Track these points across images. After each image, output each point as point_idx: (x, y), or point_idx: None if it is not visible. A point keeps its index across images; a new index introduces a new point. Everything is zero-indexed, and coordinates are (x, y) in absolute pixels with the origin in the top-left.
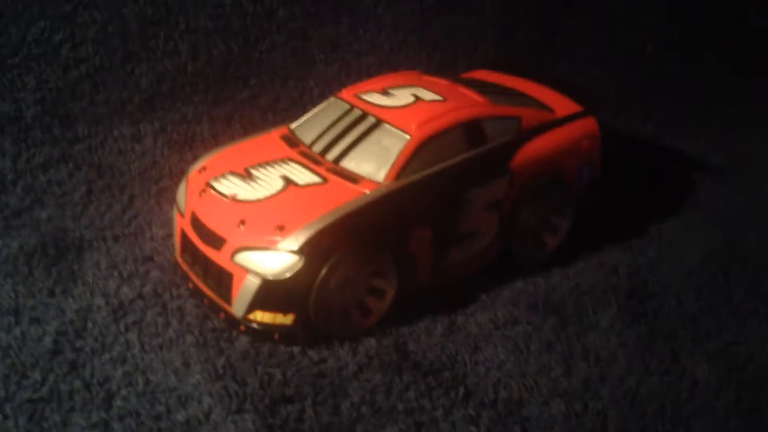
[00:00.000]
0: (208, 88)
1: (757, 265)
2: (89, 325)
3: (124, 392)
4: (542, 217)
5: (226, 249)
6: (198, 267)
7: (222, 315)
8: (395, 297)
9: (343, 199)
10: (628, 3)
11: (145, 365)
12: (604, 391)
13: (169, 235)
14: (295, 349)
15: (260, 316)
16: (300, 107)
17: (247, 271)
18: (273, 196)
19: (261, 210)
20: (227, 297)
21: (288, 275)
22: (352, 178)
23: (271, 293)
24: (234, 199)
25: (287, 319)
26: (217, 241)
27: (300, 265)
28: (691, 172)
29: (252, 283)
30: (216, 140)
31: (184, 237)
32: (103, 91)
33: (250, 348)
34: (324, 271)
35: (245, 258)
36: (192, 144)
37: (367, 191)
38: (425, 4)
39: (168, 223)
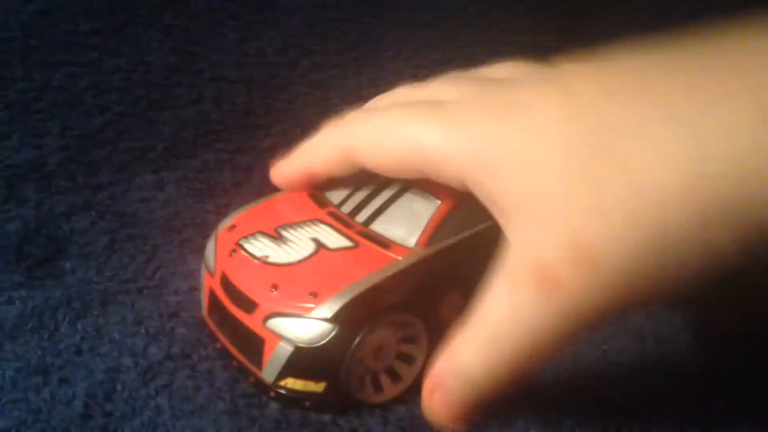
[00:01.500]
0: (231, 137)
1: None
2: (118, 387)
3: None
4: None
5: (258, 313)
6: (227, 328)
7: (252, 379)
8: (425, 363)
9: (375, 265)
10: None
11: None
12: None
13: (193, 289)
14: (326, 417)
15: (291, 383)
16: None
17: (280, 337)
18: (305, 260)
19: (293, 274)
20: (258, 362)
21: (321, 343)
22: (383, 243)
23: (303, 361)
24: (265, 261)
25: (319, 387)
26: (248, 305)
27: (333, 333)
28: None
29: (284, 350)
30: (237, 189)
31: (213, 296)
32: (127, 139)
33: (281, 417)
34: (357, 339)
35: (278, 324)
36: (214, 192)
37: (400, 258)
38: (446, 56)
39: (192, 275)
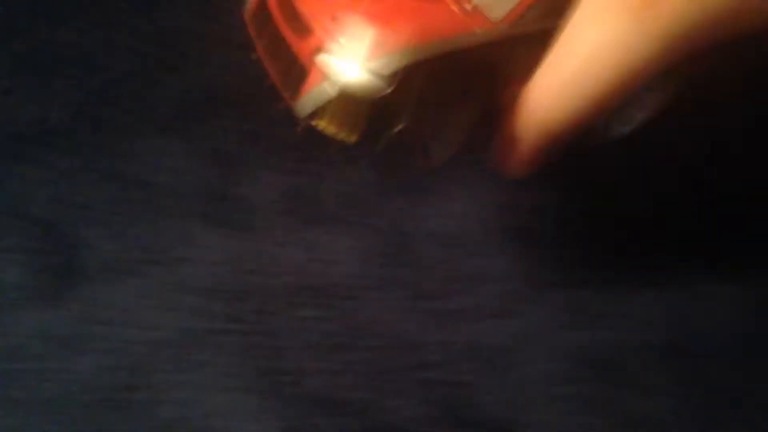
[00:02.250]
0: (238, 102)
1: None
2: (129, 360)
3: None
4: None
5: (310, 43)
6: (270, 43)
7: (282, 105)
8: (457, 152)
9: (449, 30)
10: None
11: (192, 411)
12: None
13: (202, 259)
14: (367, 396)
15: (324, 125)
16: None
17: (326, 76)
18: None
19: (362, 11)
20: (295, 91)
21: (368, 99)
22: (466, 5)
23: (344, 110)
24: None
25: (351, 138)
26: (302, 29)
27: (382, 92)
28: (716, 213)
29: (326, 91)
30: (242, 157)
31: (262, 3)
32: (132, 99)
33: (317, 396)
34: (407, 104)
35: (328, 62)
36: (220, 159)
37: (478, 30)
38: None
39: (199, 245)
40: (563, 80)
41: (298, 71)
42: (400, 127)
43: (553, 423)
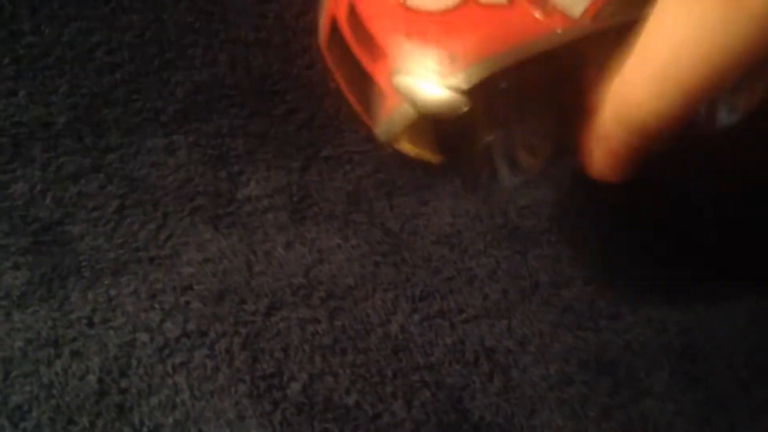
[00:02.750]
0: (245, 102)
1: None
2: (134, 362)
3: None
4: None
5: (385, 65)
6: (346, 69)
7: (365, 129)
8: (549, 159)
9: (528, 34)
10: None
11: (197, 414)
12: None
13: (207, 260)
14: (350, 401)
15: (406, 147)
16: (335, 126)
17: (405, 97)
18: (449, 11)
19: (434, 26)
20: (374, 115)
21: (448, 117)
22: (544, 5)
23: (424, 130)
24: (404, 4)
25: (435, 158)
26: (376, 52)
27: (463, 108)
28: (734, 220)
29: (406, 113)
30: (251, 156)
31: (334, 27)
32: (138, 100)
33: (303, 399)
34: (486, 120)
35: (405, 83)
36: (227, 159)
37: (559, 29)
38: None
39: (204, 246)
40: (654, 73)
41: (377, 95)
42: (488, 140)
43: (545, 427)
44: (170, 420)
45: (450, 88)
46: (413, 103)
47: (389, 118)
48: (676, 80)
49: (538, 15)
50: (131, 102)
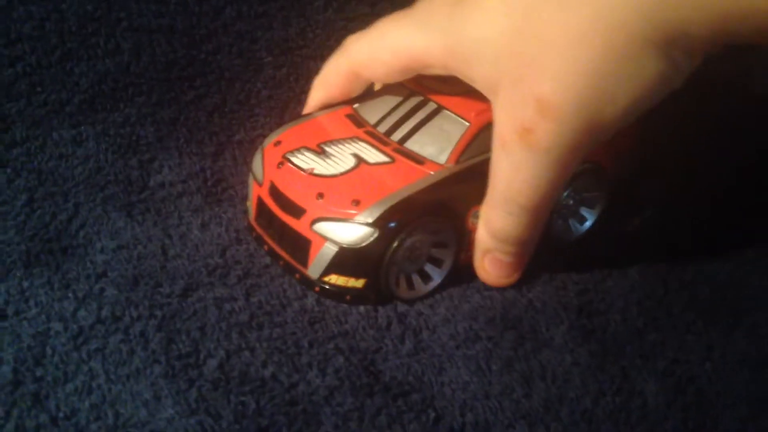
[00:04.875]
0: (152, 89)
1: (694, 274)
2: (48, 351)
3: (93, 427)
4: (578, 200)
5: (306, 218)
6: (274, 232)
7: (297, 276)
8: (451, 267)
9: (411, 178)
10: None
11: (113, 397)
12: (563, 412)
13: (120, 247)
14: (266, 373)
15: (335, 279)
16: (247, 110)
17: (325, 239)
18: (347, 172)
19: (337, 185)
20: (304, 261)
21: (364, 244)
22: (418, 159)
23: (346, 260)
24: (311, 173)
25: (359, 283)
26: (296, 211)
27: (374, 236)
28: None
29: (329, 250)
30: (161, 143)
31: (261, 204)
32: (41, 92)
33: (219, 375)
34: (395, 242)
35: (323, 227)
36: (137, 147)
37: (432, 172)
38: (376, 9)
39: (118, 233)
40: (500, 200)
41: (303, 245)
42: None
43: (455, 382)
44: (86, 404)
45: (359, 222)
46: (333, 240)
47: (317, 257)
48: (517, 204)
49: (414, 165)
50: (35, 94)
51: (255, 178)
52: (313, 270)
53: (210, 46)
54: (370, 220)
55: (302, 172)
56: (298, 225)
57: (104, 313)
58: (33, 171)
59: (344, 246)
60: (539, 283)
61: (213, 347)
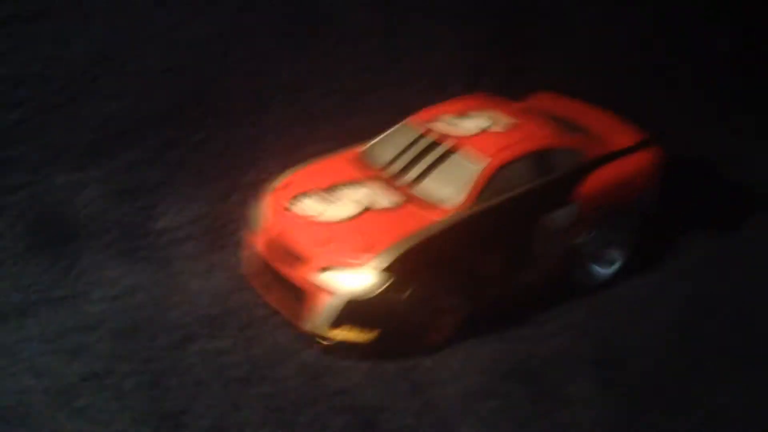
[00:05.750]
0: (158, 132)
1: (723, 321)
2: (33, 410)
3: None
4: (605, 242)
5: (311, 267)
6: (278, 281)
7: (302, 329)
8: (465, 316)
9: (421, 223)
10: (593, 38)
11: None
12: None
13: (119, 296)
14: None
15: (344, 334)
16: (257, 150)
17: (332, 289)
18: (354, 217)
19: (344, 231)
20: (309, 313)
21: (373, 295)
22: (428, 202)
23: (355, 312)
24: (317, 219)
25: (371, 335)
26: (300, 260)
27: (385, 285)
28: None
29: (337, 302)
30: (167, 187)
31: (264, 251)
32: (46, 135)
33: None
34: (408, 290)
35: (330, 277)
36: (141, 191)
37: (445, 216)
38: (390, 44)
39: (117, 281)
40: None
41: (309, 296)
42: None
43: None
44: None
45: (368, 272)
46: (342, 290)
47: (320, 312)
48: None
49: (427, 208)
50: (39, 137)
51: (258, 224)
52: (321, 323)
53: (217, 88)
54: (381, 268)
55: (307, 218)
56: (302, 274)
57: (96, 367)
58: (34, 217)
59: (353, 296)
60: (557, 331)
61: (206, 405)
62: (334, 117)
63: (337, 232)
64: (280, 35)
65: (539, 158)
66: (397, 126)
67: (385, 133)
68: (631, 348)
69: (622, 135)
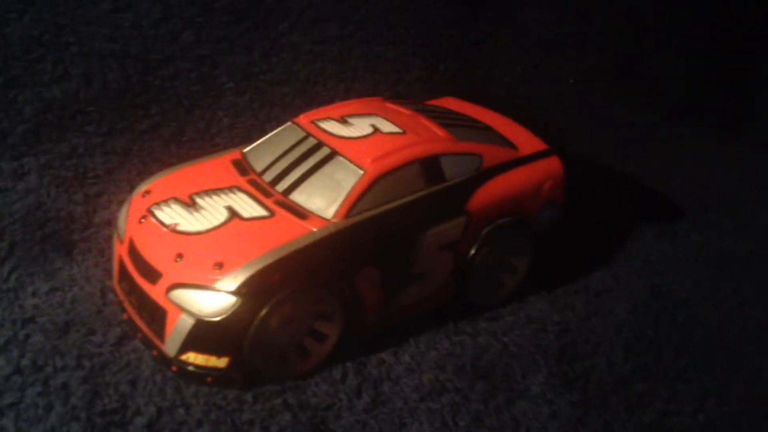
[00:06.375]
0: (103, 118)
1: (686, 316)
2: None
3: None
4: (499, 258)
5: (161, 284)
6: (134, 298)
7: (155, 353)
8: (338, 340)
9: (288, 236)
10: (553, 32)
11: None
12: None
13: (55, 289)
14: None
15: (193, 358)
16: (207, 139)
17: (182, 309)
18: (215, 228)
19: (201, 244)
20: (161, 334)
21: (223, 317)
22: (301, 213)
23: (204, 334)
24: (174, 229)
25: (221, 362)
26: (153, 275)
27: (236, 306)
28: (611, 215)
29: (185, 323)
30: (111, 176)
31: (122, 265)
32: None
33: None
34: (263, 312)
35: (180, 295)
36: (84, 181)
37: (314, 228)
38: (345, 31)
39: (54, 274)
40: None
41: (160, 315)
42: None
43: None
44: None
45: (219, 290)
46: (189, 311)
47: (173, 331)
48: None
49: (296, 220)
50: None
51: (118, 235)
52: (170, 346)
53: (167, 72)
54: (232, 288)
55: (164, 228)
56: (154, 291)
57: (24, 362)
58: None
59: (201, 318)
60: (516, 324)
61: (143, 403)
62: (290, 104)
63: (193, 245)
64: (231, 20)
65: (427, 166)
66: (283, 126)
67: (271, 133)
68: (590, 342)
69: (522, 144)
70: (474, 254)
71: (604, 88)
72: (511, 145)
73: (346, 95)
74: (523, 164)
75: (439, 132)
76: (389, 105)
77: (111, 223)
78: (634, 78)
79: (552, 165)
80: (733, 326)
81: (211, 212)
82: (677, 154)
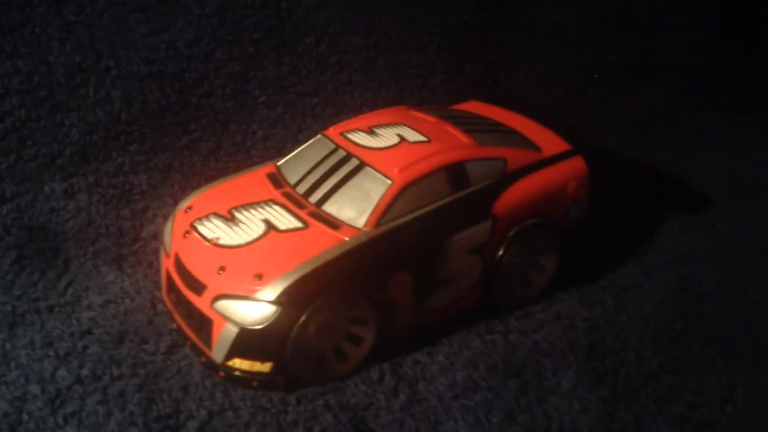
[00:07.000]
0: (144, 137)
1: (714, 308)
2: (24, 417)
3: None
4: (527, 258)
5: (207, 295)
6: (182, 309)
7: (203, 359)
8: (373, 343)
9: (322, 246)
10: (574, 30)
11: None
12: None
13: (108, 302)
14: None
15: (239, 364)
16: (244, 151)
17: (226, 318)
18: (254, 241)
19: (241, 256)
20: (208, 342)
21: (265, 325)
22: (333, 223)
23: (248, 342)
24: (216, 243)
25: (265, 367)
26: (198, 287)
27: (277, 314)
28: (637, 209)
29: (230, 332)
30: (155, 191)
31: (169, 277)
32: (32, 146)
33: None
34: (302, 319)
35: (224, 306)
36: (130, 197)
37: (347, 238)
38: (369, 41)
39: (107, 287)
40: None
41: (206, 324)
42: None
43: None
44: None
45: (260, 300)
46: (233, 320)
47: (219, 339)
48: None
49: (329, 230)
50: (25, 149)
51: (164, 249)
52: (217, 353)
53: (202, 90)
54: (272, 298)
55: (206, 243)
56: (199, 302)
57: (84, 372)
58: (23, 228)
59: (245, 327)
60: (546, 321)
61: (195, 407)
62: (320, 114)
63: (235, 258)
64: (260, 37)
65: (453, 173)
66: (313, 138)
67: (302, 147)
68: (619, 337)
69: (546, 145)
70: (501, 256)
71: (626, 83)
72: (535, 147)
73: (374, 103)
74: (547, 166)
75: (464, 138)
76: (414, 113)
77: (157, 236)
78: (655, 71)
79: (576, 165)
80: (761, 316)
81: (250, 226)
82: (700, 144)
